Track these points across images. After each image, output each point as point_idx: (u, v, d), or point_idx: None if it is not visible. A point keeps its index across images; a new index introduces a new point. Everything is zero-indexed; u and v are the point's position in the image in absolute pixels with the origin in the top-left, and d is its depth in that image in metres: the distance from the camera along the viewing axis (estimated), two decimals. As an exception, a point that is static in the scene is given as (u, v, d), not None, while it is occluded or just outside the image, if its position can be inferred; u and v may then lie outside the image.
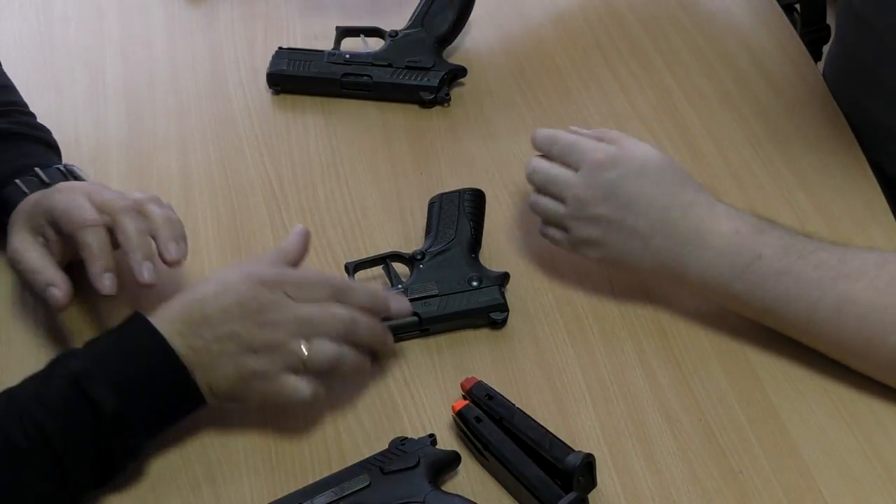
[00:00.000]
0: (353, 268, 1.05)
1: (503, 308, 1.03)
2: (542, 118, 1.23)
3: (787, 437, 0.95)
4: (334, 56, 1.26)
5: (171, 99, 1.28)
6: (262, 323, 0.91)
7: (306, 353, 0.92)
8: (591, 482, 0.91)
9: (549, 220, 1.05)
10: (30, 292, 1.03)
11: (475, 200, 1.10)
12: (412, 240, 1.11)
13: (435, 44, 1.26)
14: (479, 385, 0.96)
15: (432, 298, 1.02)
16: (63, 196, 0.99)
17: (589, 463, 0.90)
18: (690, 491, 0.92)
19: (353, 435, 0.96)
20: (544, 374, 1.00)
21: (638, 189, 0.99)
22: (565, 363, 1.01)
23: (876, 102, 1.20)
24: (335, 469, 0.91)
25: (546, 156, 1.05)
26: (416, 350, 1.02)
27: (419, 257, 1.06)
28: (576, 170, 1.02)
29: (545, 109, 1.25)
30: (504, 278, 1.05)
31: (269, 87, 1.27)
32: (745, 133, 1.21)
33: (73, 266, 1.00)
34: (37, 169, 1.05)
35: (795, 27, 1.39)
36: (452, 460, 0.92)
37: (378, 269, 1.07)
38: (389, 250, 1.08)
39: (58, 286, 0.97)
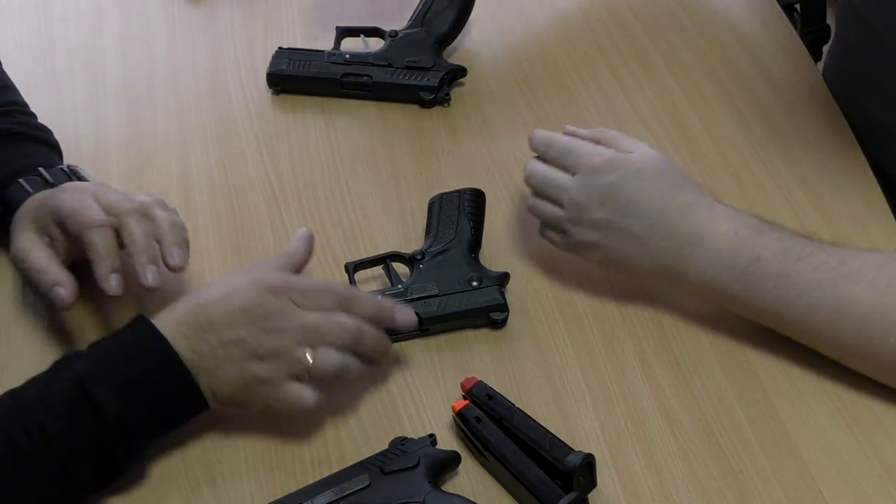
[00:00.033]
0: (353, 268, 1.05)
1: (503, 308, 1.03)
2: (542, 118, 1.23)
3: (787, 437, 0.95)
4: (334, 56, 1.26)
5: (171, 99, 1.28)
6: (268, 329, 0.91)
7: (311, 362, 0.92)
8: (591, 482, 0.91)
9: (547, 223, 1.05)
10: (31, 290, 1.03)
11: (475, 200, 1.10)
12: (412, 240, 1.11)
13: (435, 44, 1.26)
14: (479, 385, 0.96)
15: (432, 298, 1.02)
16: (70, 196, 0.99)
17: (589, 463, 0.90)
18: (690, 491, 0.92)
19: (353, 435, 0.96)
20: (544, 374, 1.00)
21: (635, 192, 0.99)
22: (565, 363, 1.01)
23: (876, 102, 1.20)
24: (335, 469, 0.91)
25: (543, 158, 1.05)
26: (416, 350, 1.02)
27: (419, 257, 1.06)
28: (573, 173, 1.02)
29: (545, 109, 1.25)
30: (504, 278, 1.05)
31: (269, 87, 1.27)
32: (745, 133, 1.21)
33: (76, 266, 1.00)
34: (40, 169, 1.05)
35: (795, 27, 1.39)
36: (452, 460, 0.92)
37: (378, 269, 1.07)
38: (389, 250, 1.08)
39: (63, 286, 0.97)
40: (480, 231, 1.09)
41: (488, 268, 1.06)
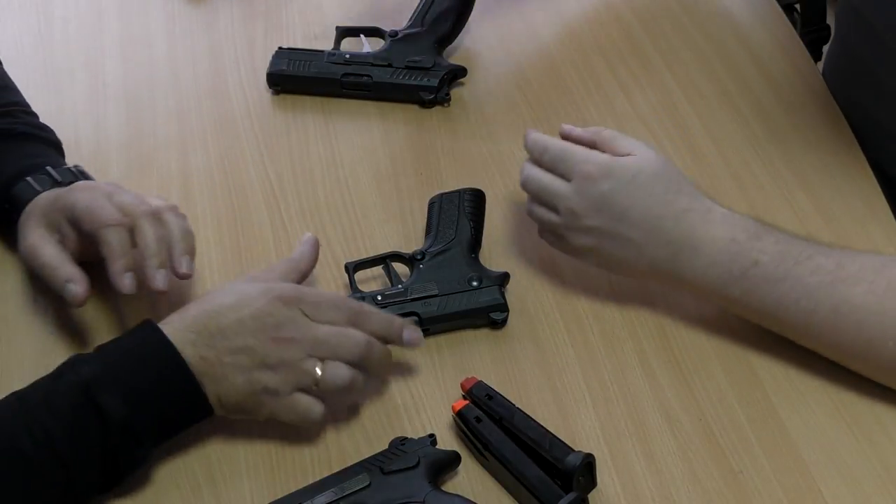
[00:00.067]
0: (353, 268, 1.05)
1: (503, 308, 1.03)
2: (542, 118, 1.23)
3: (787, 437, 0.95)
4: (334, 56, 1.26)
5: (171, 99, 1.28)
6: (278, 339, 0.91)
7: (320, 374, 0.92)
8: (591, 482, 0.91)
9: (545, 228, 1.05)
10: (35, 288, 1.04)
11: (475, 200, 1.10)
12: (412, 240, 1.11)
13: (435, 44, 1.26)
14: (479, 385, 0.96)
15: (432, 298, 1.02)
16: (84, 195, 1.00)
17: (589, 463, 0.90)
18: (690, 491, 0.92)
19: (353, 435, 0.96)
20: (544, 374, 1.00)
21: (630, 200, 0.98)
22: (565, 363, 1.01)
23: (876, 102, 1.20)
24: (335, 469, 0.91)
25: (537, 163, 1.04)
26: (416, 350, 1.01)
27: (419, 257, 1.06)
28: (568, 180, 1.01)
29: (545, 109, 1.25)
30: (504, 278, 1.05)
31: (269, 87, 1.27)
32: (745, 133, 1.21)
33: (82, 266, 1.00)
34: (48, 168, 1.05)
35: (795, 27, 1.39)
36: (452, 460, 0.92)
37: (378, 269, 1.07)
38: (389, 250, 1.08)
39: (76, 282, 0.97)
40: (480, 231, 1.09)
41: (488, 268, 1.06)
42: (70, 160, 1.11)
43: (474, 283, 1.03)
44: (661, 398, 0.98)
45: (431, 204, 1.11)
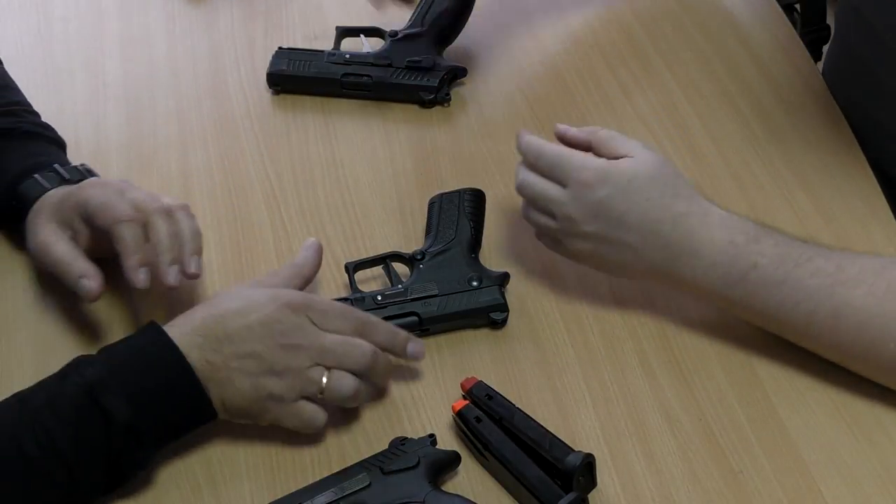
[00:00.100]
0: (353, 268, 1.05)
1: (503, 308, 1.03)
2: (542, 118, 1.23)
3: (787, 437, 0.95)
4: (334, 56, 1.26)
5: (171, 99, 1.28)
6: (285, 346, 0.91)
7: (325, 383, 0.92)
8: (591, 482, 0.91)
9: (542, 232, 1.05)
10: (38, 286, 1.04)
11: (475, 200, 1.10)
12: (412, 240, 1.11)
13: (435, 44, 1.26)
14: (479, 385, 0.96)
15: (432, 298, 1.02)
16: (97, 191, 1.00)
17: (589, 463, 0.90)
18: (690, 491, 0.92)
19: (353, 435, 0.96)
20: (544, 375, 1.00)
21: (627, 206, 0.98)
22: (565, 363, 1.01)
23: (876, 102, 1.20)
24: (335, 469, 0.91)
25: (532, 168, 1.03)
26: (416, 352, 1.02)
27: (419, 257, 1.06)
28: (563, 185, 1.00)
29: (545, 109, 1.25)
30: (504, 278, 1.05)
31: (269, 87, 1.27)
32: (745, 133, 1.21)
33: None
34: (56, 165, 1.05)
35: (795, 27, 1.39)
36: (452, 460, 0.92)
37: (378, 269, 1.07)
38: (389, 250, 1.08)
39: (90, 277, 0.98)
40: (480, 231, 1.09)
41: (488, 268, 1.06)
42: (70, 160, 1.11)
43: (474, 283, 1.03)
44: (661, 398, 0.98)
45: (431, 204, 1.11)
